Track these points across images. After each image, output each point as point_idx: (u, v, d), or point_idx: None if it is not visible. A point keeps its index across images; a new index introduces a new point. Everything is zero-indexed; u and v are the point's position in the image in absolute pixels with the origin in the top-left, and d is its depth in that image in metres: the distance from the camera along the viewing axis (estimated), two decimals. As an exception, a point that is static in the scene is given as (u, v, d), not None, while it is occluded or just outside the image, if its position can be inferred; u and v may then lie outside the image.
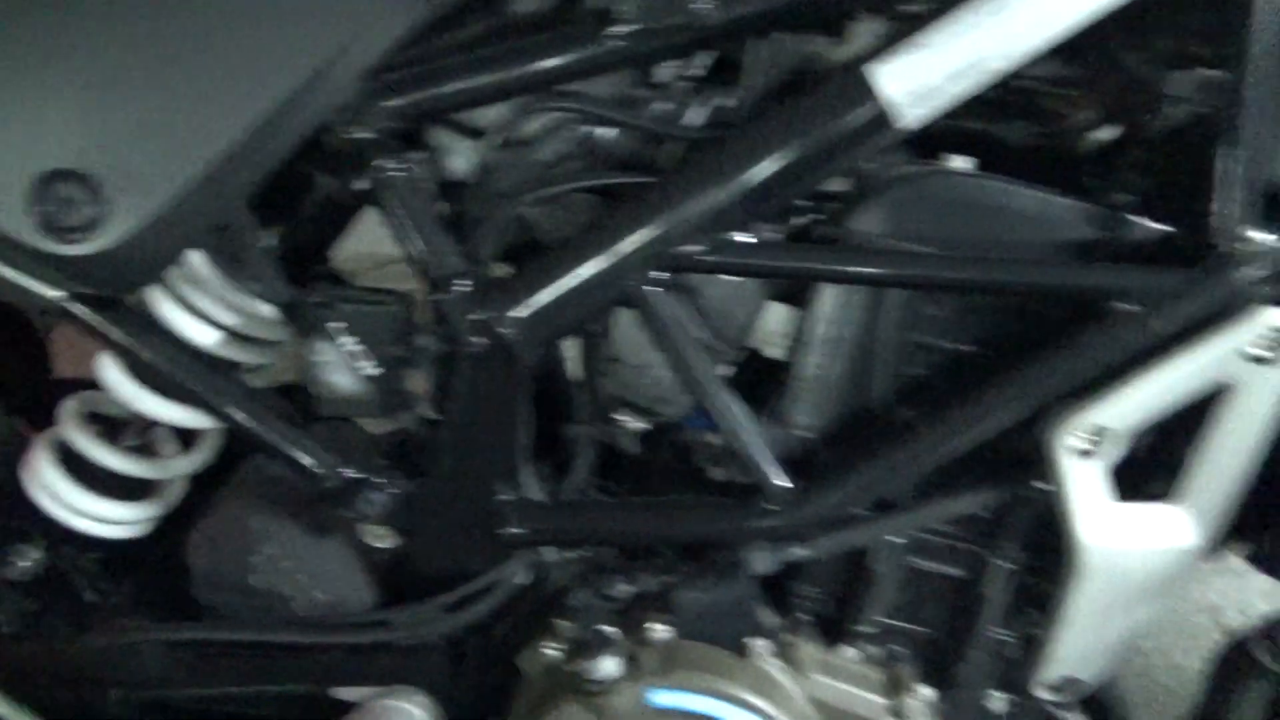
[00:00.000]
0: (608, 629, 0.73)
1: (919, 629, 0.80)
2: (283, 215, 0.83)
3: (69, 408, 0.86)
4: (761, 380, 0.79)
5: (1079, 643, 0.77)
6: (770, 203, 0.69)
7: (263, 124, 0.63)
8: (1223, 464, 0.68)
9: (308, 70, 0.62)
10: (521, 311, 0.71)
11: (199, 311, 0.79)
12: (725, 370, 0.79)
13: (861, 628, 0.79)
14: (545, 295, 0.71)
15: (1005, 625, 0.81)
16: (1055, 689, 0.81)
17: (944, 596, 0.79)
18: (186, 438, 0.89)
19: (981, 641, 0.80)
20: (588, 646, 0.72)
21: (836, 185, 0.73)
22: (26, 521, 0.87)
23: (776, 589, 0.81)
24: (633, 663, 0.73)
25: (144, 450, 0.88)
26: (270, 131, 0.63)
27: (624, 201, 0.70)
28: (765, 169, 0.67)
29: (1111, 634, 0.76)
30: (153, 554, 0.90)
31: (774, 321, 0.80)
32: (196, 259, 0.79)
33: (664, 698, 0.72)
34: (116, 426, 0.88)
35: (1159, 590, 0.73)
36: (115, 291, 0.71)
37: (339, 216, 0.86)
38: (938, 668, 0.81)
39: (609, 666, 0.71)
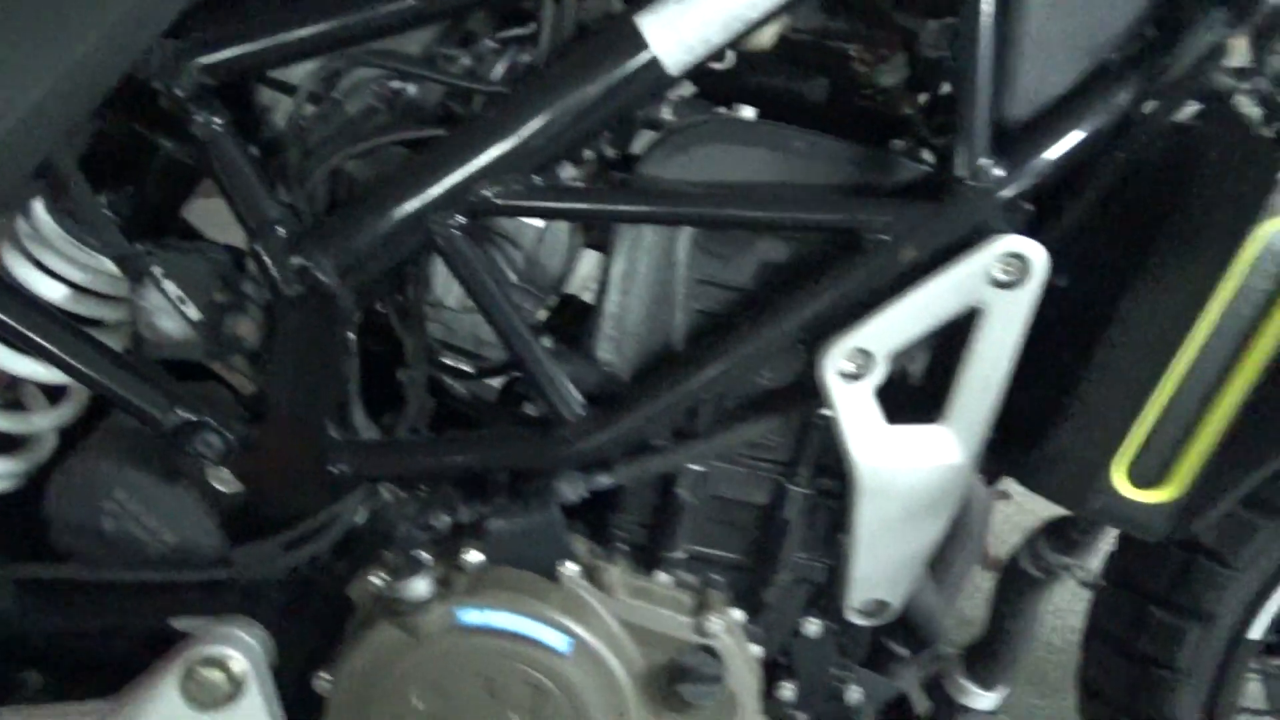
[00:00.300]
0: (421, 554, 0.78)
1: (728, 555, 0.85)
2: (130, 177, 0.88)
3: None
4: (579, 323, 0.84)
5: (876, 564, 0.82)
6: (557, 148, 0.73)
7: (64, 76, 0.67)
8: (979, 385, 0.73)
9: (105, 24, 0.67)
10: (334, 256, 0.76)
11: (45, 267, 0.84)
12: (541, 313, 0.84)
13: (672, 554, 0.84)
14: (355, 240, 0.76)
15: (813, 552, 0.86)
16: (866, 613, 0.86)
17: (749, 524, 0.84)
18: (54, 394, 0.94)
19: (787, 566, 0.85)
20: (403, 570, 0.76)
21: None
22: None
23: (599, 522, 0.86)
24: (444, 585, 0.77)
25: (12, 406, 0.93)
26: (73, 84, 0.68)
27: (423, 151, 0.75)
28: (549, 116, 0.72)
29: (905, 554, 0.81)
30: (24, 506, 0.94)
31: (588, 268, 0.85)
32: (42, 218, 0.84)
33: (472, 616, 0.76)
34: (-17, 386, 0.92)
35: (935, 507, 0.78)
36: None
37: (185, 176, 0.90)
38: (750, 594, 0.86)
39: (420, 588, 0.76)
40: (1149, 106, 0.69)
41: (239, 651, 0.79)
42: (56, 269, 0.84)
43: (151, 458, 0.88)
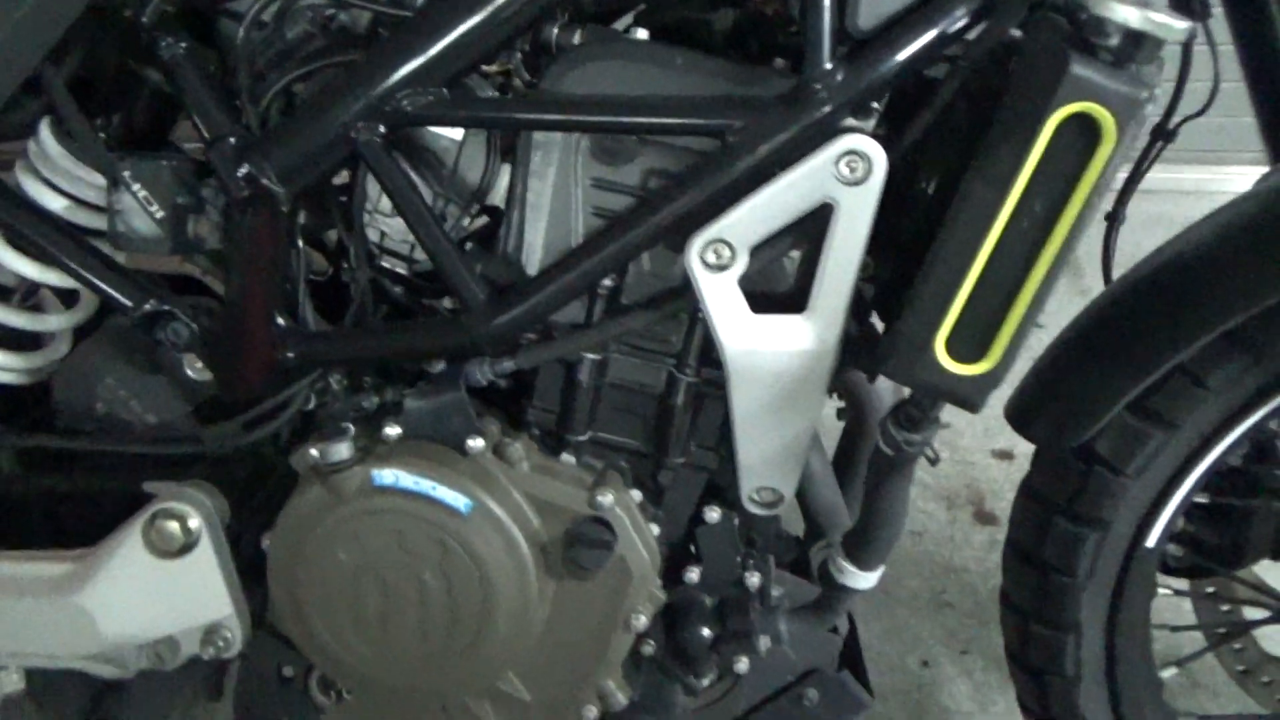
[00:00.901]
0: (345, 424, 0.89)
1: (627, 441, 0.94)
2: (121, 106, 1.01)
3: (-40, 272, 1.05)
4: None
5: (757, 451, 0.90)
6: (464, 61, 0.83)
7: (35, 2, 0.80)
8: (834, 276, 0.80)
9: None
10: (275, 165, 0.87)
11: (49, 182, 0.98)
12: (466, 221, 0.94)
13: (577, 438, 0.93)
14: (292, 150, 0.87)
15: (706, 440, 0.94)
16: (760, 502, 0.94)
17: (645, 411, 0.92)
18: (68, 299, 1.08)
19: (681, 452, 0.93)
20: (330, 438, 0.87)
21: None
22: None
23: (515, 409, 0.96)
24: (364, 453, 0.88)
25: (33, 309, 1.07)
26: (44, 9, 0.80)
27: (344, 68, 0.85)
28: (456, 32, 0.81)
29: (782, 441, 0.89)
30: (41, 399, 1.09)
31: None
32: (46, 139, 0.97)
33: (386, 478, 0.87)
34: (7, 290, 1.07)
35: (802, 394, 0.85)
36: (-54, 143, 0.89)
37: (169, 104, 1.03)
38: (650, 478, 0.95)
39: (343, 451, 0.86)
40: (986, 23, 0.75)
41: (195, 509, 0.91)
42: (57, 183, 0.98)
43: (138, 352, 1.01)
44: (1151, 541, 1.01)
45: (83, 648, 0.93)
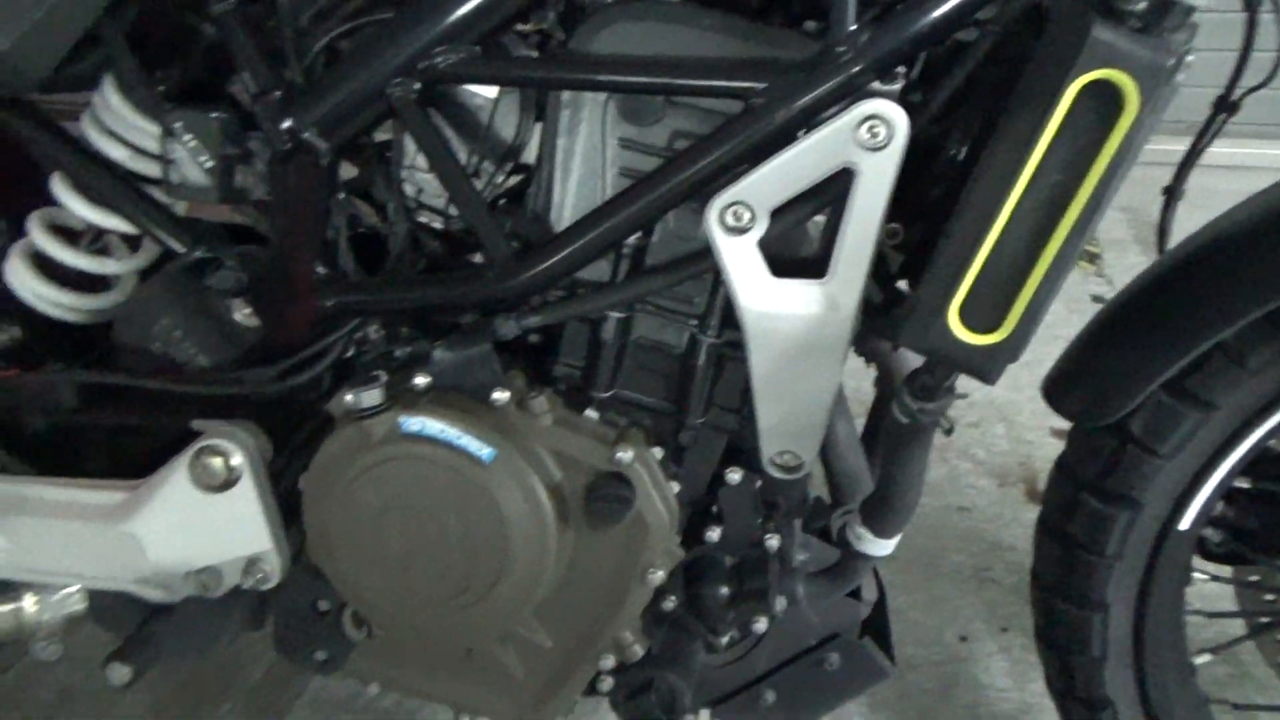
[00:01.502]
0: (377, 371, 0.92)
1: (649, 400, 0.95)
2: (178, 59, 1.05)
3: (36, 218, 1.11)
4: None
5: (777, 414, 0.90)
6: (495, 19, 0.84)
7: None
8: (854, 241, 0.80)
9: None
10: (316, 119, 0.90)
11: (112, 132, 1.03)
12: (498, 178, 0.96)
13: (601, 395, 0.95)
14: (332, 105, 0.90)
15: (727, 403, 0.95)
16: (781, 466, 0.95)
17: (668, 371, 0.93)
18: (134, 244, 1.13)
19: (701, 412, 0.94)
20: (361, 384, 0.90)
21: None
22: (9, 307, 1.13)
23: (542, 364, 0.98)
24: (394, 400, 0.91)
25: (100, 253, 1.13)
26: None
27: (381, 24, 0.87)
28: (486, -9, 0.83)
29: (802, 405, 0.89)
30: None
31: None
32: (109, 92, 1.02)
33: (412, 424, 0.90)
34: (78, 234, 1.13)
35: (822, 358, 0.85)
36: (15, 90, 0.94)
37: (224, 58, 1.06)
38: (671, 437, 0.96)
39: (373, 397, 0.90)
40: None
41: (238, 446, 0.95)
42: (119, 133, 1.03)
43: (193, 296, 1.06)
44: (1185, 524, 0.99)
45: (134, 572, 0.99)
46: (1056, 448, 1.07)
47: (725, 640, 1.05)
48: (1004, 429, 2.13)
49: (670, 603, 1.03)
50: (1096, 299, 2.55)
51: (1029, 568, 1.77)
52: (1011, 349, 0.74)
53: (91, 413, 1.05)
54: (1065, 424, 1.04)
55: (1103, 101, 0.66)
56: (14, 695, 1.50)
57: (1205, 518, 0.99)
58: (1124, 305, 0.96)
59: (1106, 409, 0.95)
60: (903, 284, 0.95)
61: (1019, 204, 0.70)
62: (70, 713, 1.47)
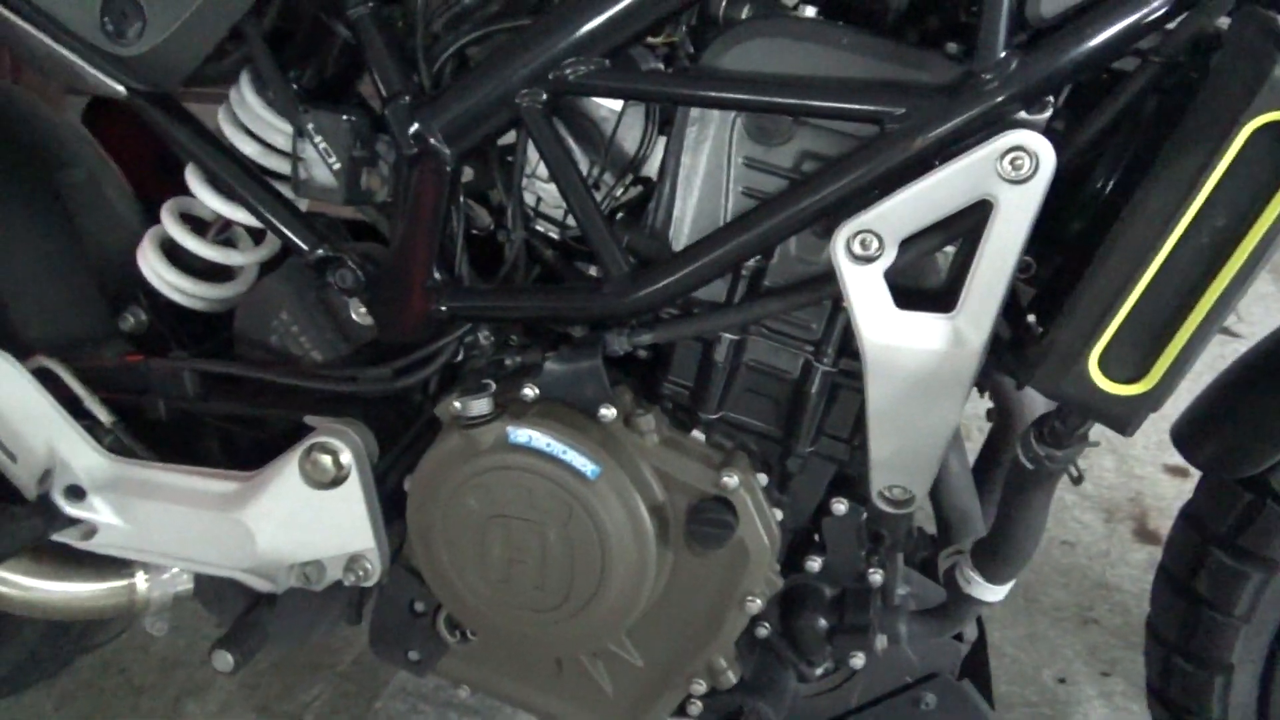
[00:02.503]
0: (487, 380, 0.92)
1: (758, 424, 0.93)
2: (314, 58, 1.07)
3: (168, 207, 1.14)
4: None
5: (891, 447, 0.87)
6: (625, 33, 0.83)
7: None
8: (987, 275, 0.76)
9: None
10: (444, 125, 0.90)
11: (246, 129, 1.05)
12: (618, 191, 0.95)
13: (709, 416, 0.93)
14: (460, 112, 0.90)
15: (839, 433, 0.92)
16: (891, 500, 0.92)
17: (780, 396, 0.91)
18: (257, 237, 1.16)
19: (811, 441, 0.92)
20: (470, 392, 0.91)
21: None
22: (139, 291, 1.17)
23: (652, 382, 0.97)
24: (502, 409, 0.91)
25: (226, 243, 1.16)
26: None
27: (513, 34, 0.87)
28: (620, 3, 0.82)
29: (918, 440, 0.86)
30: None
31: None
32: (246, 88, 1.04)
33: (520, 435, 0.90)
34: (206, 224, 1.16)
35: (943, 394, 0.82)
36: (161, 85, 0.96)
37: (357, 58, 1.08)
38: (778, 463, 0.94)
39: (481, 405, 0.90)
40: (1185, 16, 0.69)
41: (348, 445, 0.97)
42: (252, 129, 1.05)
43: (312, 292, 1.08)
44: (1323, 590, 0.93)
45: (241, 560, 1.02)
46: (1169, 485, 1.01)
47: (819, 671, 1.03)
48: (1113, 462, 2.04)
49: (765, 630, 1.01)
50: (1224, 330, 2.43)
51: (1134, 610, 1.71)
52: (1154, 401, 0.70)
53: (210, 402, 1.07)
54: (1181, 461, 0.98)
55: (1278, 144, 0.62)
56: (118, 660, 1.56)
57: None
58: (1270, 351, 0.90)
59: (1246, 461, 0.89)
60: (1031, 318, 0.91)
61: (1176, 248, 0.66)
62: (169, 682, 1.52)
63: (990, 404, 1.13)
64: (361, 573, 0.99)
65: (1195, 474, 1.00)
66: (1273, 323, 0.94)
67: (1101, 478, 2.02)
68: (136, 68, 0.93)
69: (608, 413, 0.90)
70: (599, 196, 0.93)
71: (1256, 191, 0.63)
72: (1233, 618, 0.95)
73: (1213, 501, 0.97)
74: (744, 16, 0.86)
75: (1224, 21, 0.69)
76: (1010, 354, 0.82)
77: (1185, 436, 0.96)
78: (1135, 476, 2.02)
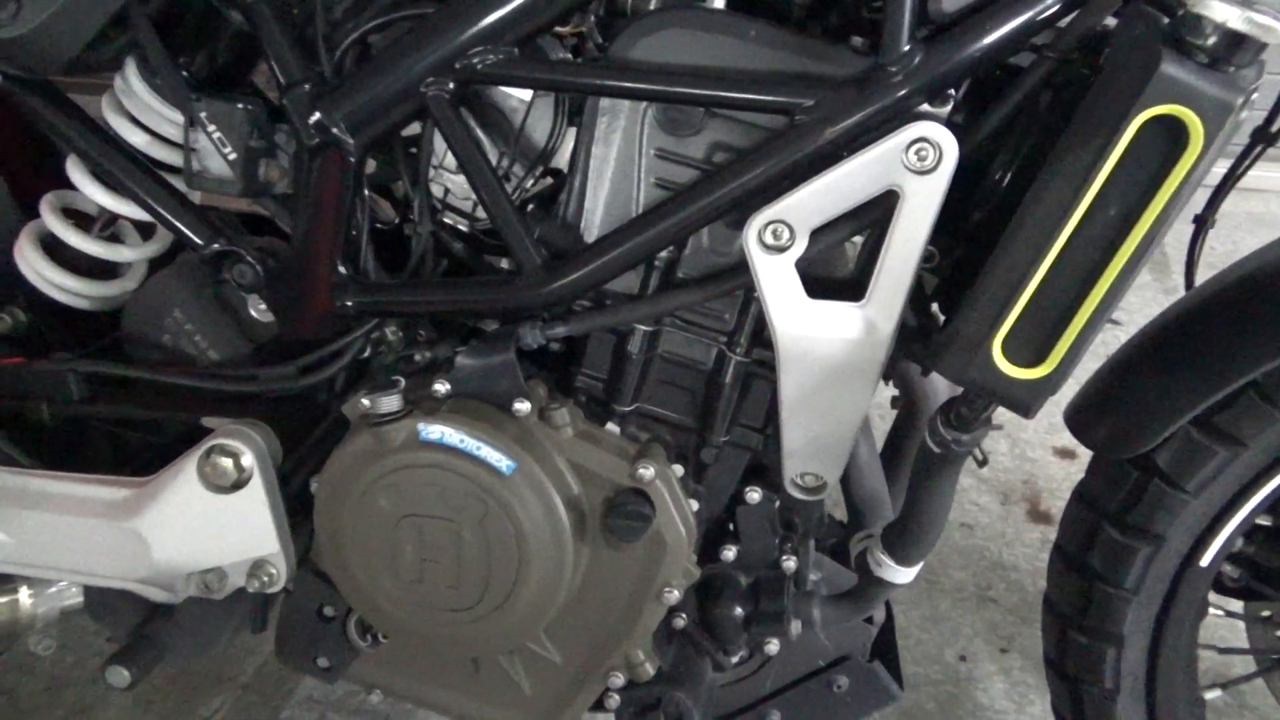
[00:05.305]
0: (396, 377, 0.90)
1: (673, 415, 0.93)
2: (204, 45, 1.02)
3: (48, 200, 1.08)
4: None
5: (803, 436, 0.88)
6: (533, 22, 0.82)
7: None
8: (894, 266, 0.78)
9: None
10: (346, 115, 0.88)
11: (132, 118, 1.00)
12: (528, 182, 0.94)
13: (624, 409, 0.93)
14: (363, 102, 0.87)
15: (752, 422, 0.93)
16: (803, 488, 0.93)
17: (693, 387, 0.92)
18: (146, 232, 1.11)
19: (726, 431, 0.92)
20: (380, 389, 0.88)
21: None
22: (18, 290, 1.10)
23: (566, 375, 0.96)
24: (413, 406, 0.89)
25: (112, 239, 1.10)
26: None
27: (418, 22, 0.85)
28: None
29: (829, 428, 0.87)
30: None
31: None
32: (132, 76, 0.99)
33: (431, 432, 0.88)
34: (90, 219, 1.10)
35: (853, 382, 0.83)
36: (39, 71, 0.91)
37: (250, 45, 1.04)
38: (693, 454, 0.94)
39: (391, 402, 0.87)
40: (1079, 11, 0.72)
41: (249, 447, 0.93)
42: (140, 118, 1.00)
43: (207, 288, 1.03)
44: (1206, 561, 0.98)
45: (136, 571, 0.97)
46: (1060, 467, 1.06)
47: (735, 659, 1.04)
48: (1007, 446, 2.12)
49: (682, 620, 1.01)
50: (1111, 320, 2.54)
51: (1029, 588, 1.78)
52: (1054, 384, 0.73)
53: (97, 405, 1.02)
54: (1069, 444, 1.02)
55: (1166, 136, 0.65)
56: (1, 682, 1.47)
57: (1225, 554, 0.98)
58: (1156, 336, 0.95)
59: (1133, 441, 0.93)
60: (934, 307, 0.93)
61: (1073, 237, 0.69)
62: (58, 703, 1.44)
63: (894, 392, 1.16)
64: (266, 579, 0.96)
65: (1084, 456, 1.05)
66: (1150, 312, 0.99)
67: (997, 462, 2.09)
68: (12, 51, 0.87)
69: (522, 407, 0.89)
70: (509, 188, 0.92)
71: (1146, 182, 0.66)
72: (1123, 590, 1.00)
73: (1103, 480, 1.01)
74: (652, 7, 0.86)
75: (1112, 21, 0.73)
76: (916, 342, 0.84)
77: (1077, 419, 1.00)
78: (1028, 459, 2.10)
